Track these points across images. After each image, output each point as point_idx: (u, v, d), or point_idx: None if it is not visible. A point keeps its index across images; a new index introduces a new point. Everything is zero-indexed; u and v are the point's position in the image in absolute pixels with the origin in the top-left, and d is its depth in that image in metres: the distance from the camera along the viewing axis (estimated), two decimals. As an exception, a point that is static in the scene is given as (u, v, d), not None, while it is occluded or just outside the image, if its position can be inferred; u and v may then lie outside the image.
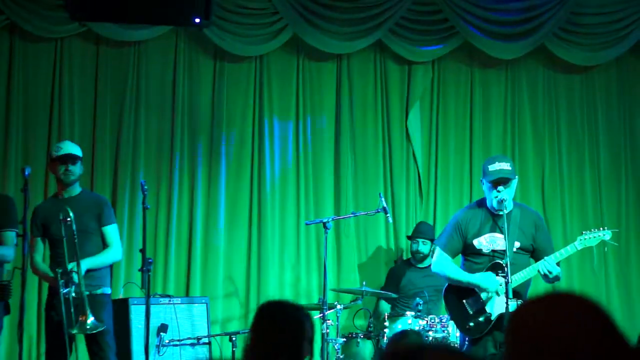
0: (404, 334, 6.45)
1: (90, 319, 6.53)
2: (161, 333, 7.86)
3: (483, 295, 6.61)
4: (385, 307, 8.89)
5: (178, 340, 7.93)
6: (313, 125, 9.58)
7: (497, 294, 6.56)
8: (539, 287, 7.44)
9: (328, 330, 7.65)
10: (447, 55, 9.83)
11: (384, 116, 9.73)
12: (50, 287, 7.01)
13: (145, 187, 6.70)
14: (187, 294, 8.92)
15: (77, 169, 7.05)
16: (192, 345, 8.01)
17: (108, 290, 7.09)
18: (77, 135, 8.87)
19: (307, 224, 8.83)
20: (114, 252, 7.12)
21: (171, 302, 8.09)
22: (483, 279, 6.62)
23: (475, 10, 9.56)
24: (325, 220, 8.00)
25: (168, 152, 9.21)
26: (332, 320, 7.84)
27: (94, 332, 6.61)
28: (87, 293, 6.60)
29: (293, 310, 4.01)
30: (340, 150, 9.59)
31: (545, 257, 6.53)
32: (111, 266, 7.30)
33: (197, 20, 8.68)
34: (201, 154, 9.28)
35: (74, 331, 6.55)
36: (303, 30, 9.35)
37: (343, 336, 7.95)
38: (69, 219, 6.63)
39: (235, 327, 8.84)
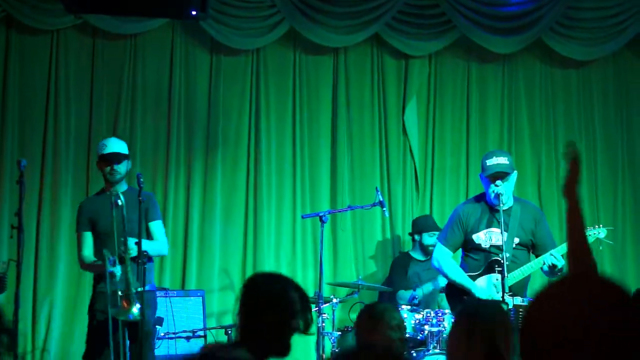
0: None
1: (136, 307, 6.36)
2: (157, 326, 7.84)
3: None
4: (405, 294, 8.73)
5: (173, 334, 7.93)
6: (309, 119, 9.57)
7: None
8: (535, 286, 7.42)
9: (324, 324, 7.64)
10: (444, 49, 9.82)
11: (380, 110, 9.72)
12: (96, 279, 6.91)
13: (142, 179, 6.68)
14: (182, 287, 8.92)
15: (122, 168, 6.96)
16: (188, 338, 8.01)
17: (154, 287, 7.10)
18: (72, 128, 8.87)
19: (303, 218, 8.84)
20: (162, 244, 7.08)
21: (167, 295, 8.08)
22: (480, 292, 6.60)
23: (472, 5, 9.54)
24: (321, 214, 7.98)
25: (164, 144, 9.20)
26: (328, 314, 7.84)
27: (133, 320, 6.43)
28: (136, 288, 6.44)
29: (279, 282, 3.80)
30: (336, 144, 9.58)
31: (552, 250, 6.51)
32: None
33: (194, 12, 8.62)
34: (197, 147, 9.27)
35: (113, 313, 6.36)
36: (300, 23, 9.33)
37: (339, 330, 7.94)
38: (120, 202, 6.60)
39: (231, 320, 8.81)
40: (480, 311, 3.82)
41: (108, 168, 6.94)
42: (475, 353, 3.57)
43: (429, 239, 8.89)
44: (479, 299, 6.36)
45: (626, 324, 1.85)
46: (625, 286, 1.92)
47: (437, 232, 8.90)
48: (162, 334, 7.85)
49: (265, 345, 3.62)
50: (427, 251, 8.89)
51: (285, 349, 3.67)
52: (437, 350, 7.03)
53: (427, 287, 8.48)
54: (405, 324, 5.77)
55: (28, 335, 8.60)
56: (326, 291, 8.22)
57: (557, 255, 6.46)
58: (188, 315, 8.12)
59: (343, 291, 8.81)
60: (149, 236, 6.95)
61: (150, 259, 6.80)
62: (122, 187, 6.98)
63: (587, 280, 1.97)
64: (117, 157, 6.94)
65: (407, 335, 7.37)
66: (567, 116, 10.10)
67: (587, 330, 1.83)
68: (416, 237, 9.07)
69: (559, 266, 6.47)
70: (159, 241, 7.02)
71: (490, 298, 6.50)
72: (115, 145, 7.03)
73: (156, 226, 7.07)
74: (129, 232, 6.57)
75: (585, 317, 1.85)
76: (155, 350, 7.69)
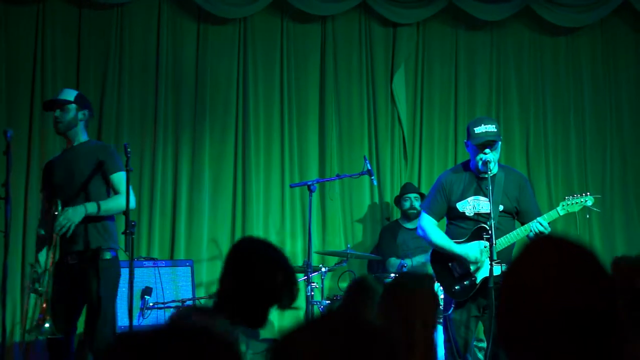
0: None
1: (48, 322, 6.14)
2: (145, 296, 7.87)
3: (471, 267, 6.58)
4: (396, 262, 8.75)
5: (162, 304, 7.94)
6: (297, 88, 9.55)
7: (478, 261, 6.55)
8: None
9: (313, 293, 7.67)
10: (432, 17, 9.80)
11: (368, 79, 9.70)
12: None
13: (129, 149, 6.62)
14: (171, 257, 8.92)
15: (65, 115, 6.60)
16: (177, 308, 8.01)
17: (110, 254, 6.55)
18: (59, 98, 8.81)
19: (291, 187, 8.84)
20: (118, 198, 6.49)
21: (155, 265, 8.08)
22: (467, 250, 6.58)
23: (460, -28, 9.52)
24: (309, 183, 7.99)
25: (152, 114, 9.17)
26: (317, 283, 7.86)
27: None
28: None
29: (266, 249, 3.69)
30: (325, 113, 9.57)
31: (538, 218, 6.50)
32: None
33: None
34: (185, 117, 9.24)
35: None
36: (287, -9, 9.30)
37: (327, 298, 7.96)
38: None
39: (220, 290, 8.84)
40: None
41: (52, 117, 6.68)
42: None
43: (404, 203, 8.97)
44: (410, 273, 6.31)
45: (594, 286, 1.87)
46: (594, 251, 1.94)
47: (411, 195, 8.96)
48: (151, 304, 7.86)
49: (240, 313, 3.56)
50: (408, 216, 8.94)
51: (262, 317, 3.61)
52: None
53: (418, 259, 8.48)
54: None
55: (17, 307, 8.59)
56: (315, 260, 8.24)
57: (543, 223, 6.44)
58: (177, 285, 8.13)
59: (332, 260, 8.82)
60: (110, 191, 6.58)
61: (110, 218, 6.59)
62: (82, 136, 6.69)
63: (554, 243, 1.99)
64: (53, 104, 6.67)
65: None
66: (555, 83, 10.11)
67: (557, 295, 1.85)
68: (398, 205, 9.15)
69: (546, 233, 6.46)
70: (114, 197, 6.53)
71: (477, 260, 6.50)
72: (60, 94, 6.76)
73: (117, 178, 6.56)
74: (84, 192, 6.40)
75: (554, 281, 1.87)
76: (144, 320, 7.71)
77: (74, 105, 6.66)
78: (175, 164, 9.19)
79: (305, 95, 9.56)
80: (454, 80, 9.91)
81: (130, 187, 6.43)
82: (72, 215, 6.31)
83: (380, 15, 9.65)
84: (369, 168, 8.15)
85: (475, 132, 6.56)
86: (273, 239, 9.13)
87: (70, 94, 6.74)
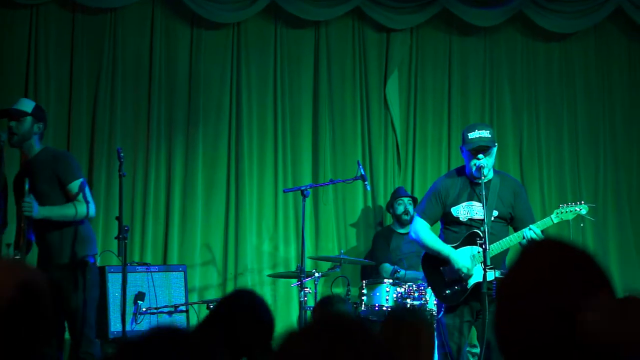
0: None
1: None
2: (138, 301, 7.84)
3: (462, 271, 6.57)
4: (389, 268, 8.73)
5: (155, 309, 7.92)
6: (291, 93, 9.54)
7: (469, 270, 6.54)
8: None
9: (306, 298, 7.65)
10: (425, 23, 9.81)
11: (362, 84, 9.71)
12: None
13: (122, 154, 6.63)
14: (164, 262, 8.89)
15: (21, 127, 6.44)
16: (170, 313, 8.00)
17: (90, 261, 6.55)
18: (52, 103, 8.79)
19: (285, 192, 8.82)
20: (73, 206, 6.41)
21: (148, 270, 8.06)
22: (458, 257, 6.57)
23: (453, -23, 9.54)
24: (303, 188, 7.99)
25: (145, 119, 9.15)
26: (310, 288, 7.84)
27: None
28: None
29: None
30: (318, 118, 9.57)
31: (532, 225, 6.50)
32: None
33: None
34: (178, 122, 9.23)
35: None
36: (280, -4, 9.30)
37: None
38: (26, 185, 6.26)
39: (213, 295, 8.85)
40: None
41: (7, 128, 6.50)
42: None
43: (397, 207, 8.96)
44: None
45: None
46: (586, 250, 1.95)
47: (405, 198, 8.96)
48: (144, 309, 7.84)
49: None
50: (401, 221, 8.93)
51: None
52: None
53: (411, 274, 8.40)
54: None
55: None
56: (308, 265, 8.22)
57: (536, 230, 6.46)
58: (170, 290, 8.11)
59: (325, 265, 8.82)
60: (70, 201, 6.47)
61: (82, 223, 6.51)
62: (36, 148, 6.57)
63: (549, 245, 2.00)
64: (8, 114, 6.52)
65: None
66: (548, 89, 10.12)
67: (552, 296, 1.86)
68: (391, 210, 9.13)
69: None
70: (69, 204, 6.43)
71: (467, 267, 6.49)
72: (17, 104, 6.60)
73: (74, 188, 6.45)
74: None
75: (549, 283, 1.88)
76: (137, 325, 7.69)
77: (30, 118, 6.52)
78: (168, 168, 9.17)
79: (298, 100, 9.55)
80: (447, 85, 9.92)
81: (90, 195, 6.47)
82: (35, 205, 6.24)
83: (374, 21, 9.65)
84: (363, 173, 8.15)
85: (469, 137, 6.57)
86: (266, 244, 9.18)
87: (27, 105, 6.58)
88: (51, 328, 2.06)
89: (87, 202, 6.43)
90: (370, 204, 9.62)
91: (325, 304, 4.88)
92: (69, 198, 6.45)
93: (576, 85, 10.19)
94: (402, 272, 8.23)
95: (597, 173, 10.14)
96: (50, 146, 6.97)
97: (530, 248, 2.02)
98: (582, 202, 6.83)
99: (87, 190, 6.54)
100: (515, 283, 1.94)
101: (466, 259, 6.52)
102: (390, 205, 9.16)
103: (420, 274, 7.47)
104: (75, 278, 6.42)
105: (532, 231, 6.43)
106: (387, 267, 8.67)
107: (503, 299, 1.96)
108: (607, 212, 10.07)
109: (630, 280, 9.75)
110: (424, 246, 6.75)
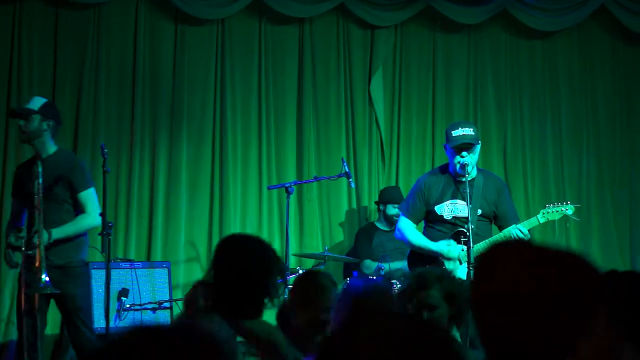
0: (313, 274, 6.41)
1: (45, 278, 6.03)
2: (122, 297, 7.83)
3: (449, 265, 6.59)
4: (371, 265, 8.73)
5: (139, 305, 7.91)
6: (275, 89, 9.53)
7: (460, 261, 6.57)
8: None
9: (290, 295, 7.64)
10: (409, 20, 9.81)
11: (346, 81, 9.71)
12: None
13: (106, 150, 6.62)
14: (148, 259, 8.87)
15: (29, 126, 6.47)
16: (154, 310, 7.99)
17: (81, 263, 6.61)
18: (36, 99, 8.75)
19: (269, 189, 8.83)
20: (84, 220, 6.52)
21: (132, 267, 8.05)
22: (445, 247, 6.60)
23: (438, -25, 9.55)
24: (287, 185, 8.00)
25: (129, 115, 9.12)
26: (294, 285, 7.83)
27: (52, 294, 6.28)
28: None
29: (255, 241, 3.88)
30: (302, 115, 9.56)
31: (518, 225, 6.53)
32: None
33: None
34: (162, 119, 9.21)
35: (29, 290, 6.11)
36: (265, -7, 9.29)
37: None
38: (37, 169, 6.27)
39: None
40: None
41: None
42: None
43: (392, 209, 8.93)
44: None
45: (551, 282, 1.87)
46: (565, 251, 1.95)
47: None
48: (128, 306, 7.83)
49: (239, 307, 3.63)
50: (391, 221, 8.92)
51: (259, 310, 3.69)
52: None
53: (395, 265, 8.43)
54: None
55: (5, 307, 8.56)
56: (292, 262, 8.22)
57: (523, 230, 6.49)
58: (154, 286, 8.10)
59: (309, 262, 8.82)
60: (79, 208, 6.54)
61: (81, 234, 6.57)
62: (50, 148, 6.59)
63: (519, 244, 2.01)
64: (16, 114, 6.61)
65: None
66: (532, 87, 10.15)
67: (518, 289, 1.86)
68: (381, 207, 9.11)
69: (526, 240, 6.50)
70: (81, 219, 6.53)
71: (455, 261, 6.52)
72: (27, 102, 6.67)
73: (85, 197, 6.53)
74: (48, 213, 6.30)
75: (514, 275, 1.88)
76: (120, 321, 7.68)
77: (37, 116, 6.52)
78: (152, 165, 9.15)
79: (282, 97, 9.55)
80: (432, 82, 9.94)
81: (97, 202, 6.53)
82: (45, 235, 6.23)
83: (358, 18, 9.65)
84: (347, 170, 8.16)
85: (453, 135, 6.60)
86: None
87: (35, 103, 6.59)
88: None
89: (94, 212, 6.51)
90: (354, 201, 9.62)
91: (309, 278, 4.82)
92: (77, 203, 6.52)
93: (560, 83, 10.22)
94: (386, 266, 8.24)
95: (580, 169, 10.16)
96: (63, 148, 6.98)
97: (498, 251, 2.01)
98: (568, 202, 6.88)
99: (95, 198, 6.62)
100: (488, 278, 1.94)
101: (454, 248, 6.57)
102: (383, 203, 9.10)
103: (404, 263, 7.47)
104: (75, 279, 6.49)
105: (519, 230, 6.46)
106: (369, 263, 8.68)
107: (479, 295, 1.95)
108: (590, 209, 10.09)
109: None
110: (409, 244, 6.79)
